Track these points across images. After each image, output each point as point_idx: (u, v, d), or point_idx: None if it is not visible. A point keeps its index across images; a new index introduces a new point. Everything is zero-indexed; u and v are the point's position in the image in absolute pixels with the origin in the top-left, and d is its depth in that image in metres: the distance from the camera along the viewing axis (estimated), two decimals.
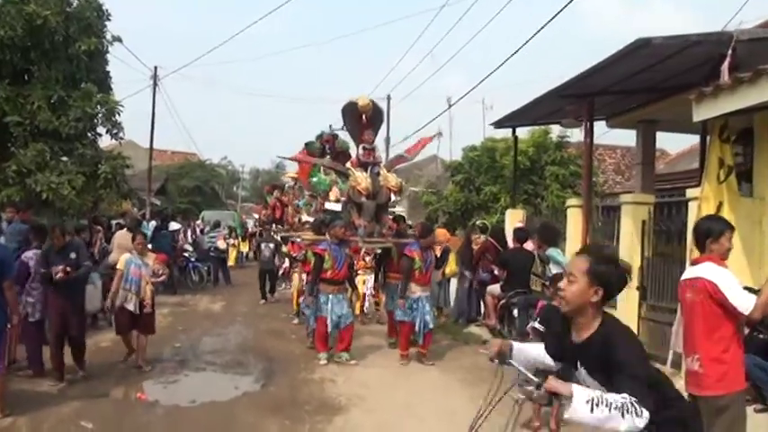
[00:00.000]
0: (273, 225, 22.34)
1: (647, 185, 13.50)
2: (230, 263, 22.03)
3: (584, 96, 11.17)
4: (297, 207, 19.14)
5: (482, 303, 11.78)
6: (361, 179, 9.55)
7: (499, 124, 14.37)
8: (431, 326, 9.37)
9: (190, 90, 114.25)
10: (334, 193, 11.28)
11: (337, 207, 11.00)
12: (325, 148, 11.71)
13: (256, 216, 37.17)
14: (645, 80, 10.62)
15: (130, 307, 8.46)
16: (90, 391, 7.35)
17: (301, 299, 11.60)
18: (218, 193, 48.64)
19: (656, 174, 14.94)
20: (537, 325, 6.89)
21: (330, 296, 9.04)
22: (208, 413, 6.92)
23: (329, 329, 9.03)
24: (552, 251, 8.39)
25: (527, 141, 19.27)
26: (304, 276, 11.80)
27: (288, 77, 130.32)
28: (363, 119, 9.76)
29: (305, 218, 16.82)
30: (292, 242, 13.48)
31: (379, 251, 10.70)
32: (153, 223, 19.06)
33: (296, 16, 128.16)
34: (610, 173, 27.07)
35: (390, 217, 10.64)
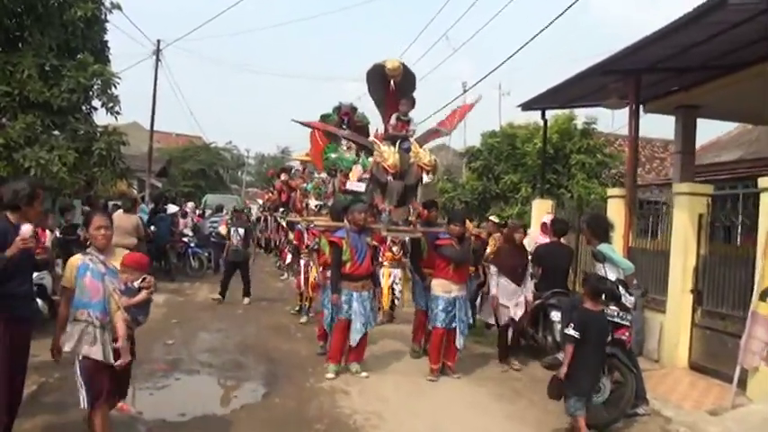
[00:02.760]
0: (280, 210, 21.38)
1: (686, 176, 12.44)
2: None
3: (630, 73, 10.06)
4: (305, 191, 18.10)
5: None
6: (389, 154, 8.03)
7: (528, 106, 13.26)
8: (464, 333, 8.19)
9: (194, 69, 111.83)
10: (356, 172, 10.01)
11: (361, 187, 9.80)
12: (342, 122, 10.42)
13: (260, 201, 36.34)
14: (697, 56, 9.52)
15: (97, 355, 4.60)
16: (62, 400, 6.16)
17: (318, 294, 10.53)
18: (223, 178, 47.74)
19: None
20: (572, 332, 5.99)
21: (354, 294, 7.75)
22: None
23: (354, 336, 7.74)
24: (605, 248, 7.21)
25: (551, 128, 18.00)
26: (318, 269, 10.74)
27: (296, 55, 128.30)
28: (392, 85, 8.26)
29: (313, 202, 15.71)
30: (300, 229, 12.28)
31: (406, 240, 9.51)
32: (151, 206, 18.05)
33: None
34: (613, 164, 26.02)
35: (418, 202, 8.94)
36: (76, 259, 4.76)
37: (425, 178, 8.52)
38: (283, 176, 22.52)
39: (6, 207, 4.81)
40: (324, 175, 17.13)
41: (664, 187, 18.59)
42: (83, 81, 12.81)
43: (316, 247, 9.64)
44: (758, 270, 6.92)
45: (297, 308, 11.88)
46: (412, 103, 8.53)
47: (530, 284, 8.74)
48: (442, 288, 8.01)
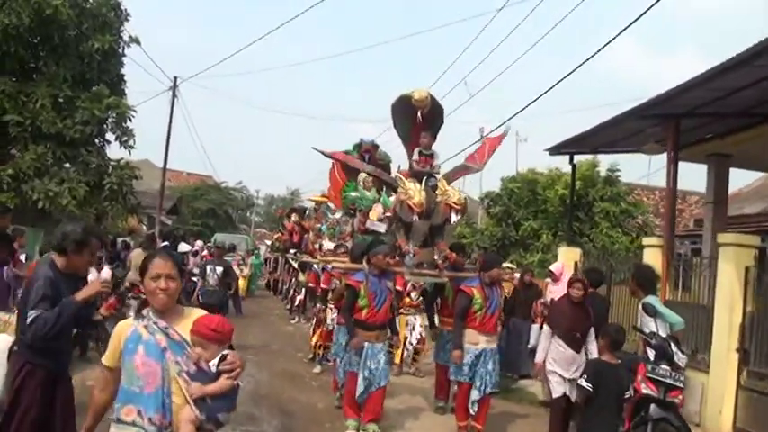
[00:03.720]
0: (291, 251, 20.88)
1: (719, 227, 11.93)
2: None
3: (669, 118, 9.63)
4: (318, 232, 17.64)
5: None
6: (414, 192, 7.38)
7: (556, 151, 12.80)
8: (494, 390, 7.26)
9: (207, 107, 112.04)
10: (376, 212, 9.51)
11: (381, 227, 9.28)
12: (363, 159, 9.96)
13: (268, 242, 36.00)
14: (739, 101, 9.11)
15: None
16: None
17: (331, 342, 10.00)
18: (232, 218, 47.47)
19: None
20: (584, 383, 5.62)
21: (365, 344, 6.87)
22: None
23: (359, 393, 6.86)
24: (653, 300, 6.68)
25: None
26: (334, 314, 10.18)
27: (310, 95, 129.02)
28: (419, 117, 7.62)
29: (327, 244, 15.24)
30: (315, 271, 11.77)
31: (428, 286, 8.82)
32: (164, 244, 17.61)
33: (320, 33, 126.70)
34: (648, 215, 25.57)
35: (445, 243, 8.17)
36: (126, 326, 3.21)
37: (454, 218, 7.75)
38: (295, 217, 22.18)
39: (54, 249, 4.28)
40: (339, 215, 16.73)
41: (685, 238, 18.16)
42: (97, 113, 12.56)
43: (333, 288, 9.05)
44: None
45: (310, 356, 11.28)
46: (434, 137, 7.94)
47: (595, 353, 6.76)
48: (469, 339, 7.16)
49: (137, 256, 13.19)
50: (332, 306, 9.93)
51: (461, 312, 7.09)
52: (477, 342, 7.11)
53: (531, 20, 19.10)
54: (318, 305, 11.24)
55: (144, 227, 21.35)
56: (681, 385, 6.23)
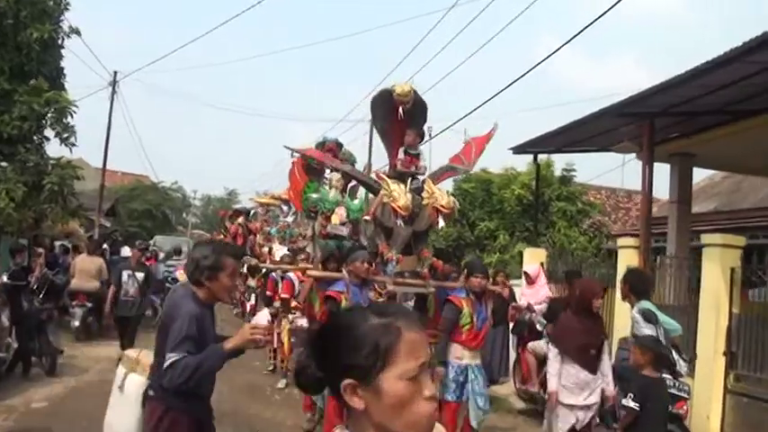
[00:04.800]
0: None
1: (683, 227, 11.87)
2: None
3: (643, 117, 9.42)
4: (268, 235, 17.01)
5: (512, 360, 9.73)
6: (399, 194, 6.69)
7: (520, 150, 12.50)
8: (485, 413, 6.59)
9: (142, 103, 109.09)
10: (338, 215, 8.94)
11: (344, 231, 8.74)
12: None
13: None
14: (718, 99, 8.97)
15: None
16: None
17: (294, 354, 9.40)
18: (170, 219, 46.10)
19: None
20: (631, 403, 5.07)
21: None
22: None
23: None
24: (650, 306, 6.34)
25: (528, 173, 17.48)
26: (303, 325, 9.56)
27: (252, 93, 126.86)
28: (400, 113, 6.92)
29: (277, 247, 14.62)
30: (274, 278, 11.12)
31: (409, 297, 8.14)
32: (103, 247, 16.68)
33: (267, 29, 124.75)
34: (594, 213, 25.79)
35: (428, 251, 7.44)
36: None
37: (441, 223, 7.20)
38: (241, 219, 21.45)
39: (190, 281, 3.69)
40: (290, 218, 16.18)
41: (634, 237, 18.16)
42: (36, 108, 11.63)
43: (297, 295, 8.38)
44: None
45: (270, 367, 10.65)
46: (420, 135, 7.40)
47: (608, 372, 6.07)
48: (453, 353, 6.47)
49: (81, 261, 12.39)
50: (296, 314, 9.37)
51: (449, 325, 6.36)
52: (461, 357, 6.41)
53: (480, 19, 18.85)
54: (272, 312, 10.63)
55: (82, 230, 20.23)
56: (686, 396, 5.93)
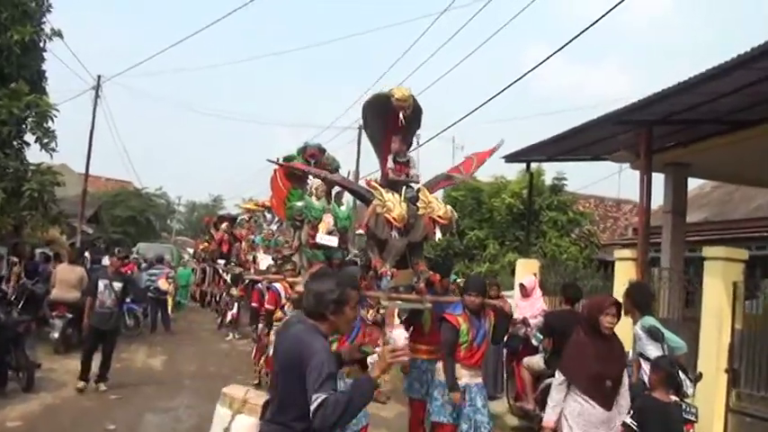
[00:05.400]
0: (221, 261, 19.76)
1: (677, 237, 11.70)
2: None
3: (641, 125, 9.20)
4: (252, 243, 16.69)
5: (507, 376, 9.43)
6: (394, 204, 6.35)
7: (513, 158, 12.25)
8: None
9: (129, 109, 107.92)
10: (325, 224, 8.61)
11: (333, 241, 8.40)
12: (309, 164, 9.05)
13: (191, 250, 34.61)
14: (711, 111, 8.78)
15: None
16: None
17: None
18: (153, 225, 45.56)
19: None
20: (629, 421, 4.80)
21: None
22: None
23: None
24: (655, 321, 6.07)
25: (519, 182, 17.26)
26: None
27: (238, 97, 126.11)
28: (401, 119, 6.46)
29: (261, 256, 14.30)
30: (259, 289, 10.78)
31: (401, 311, 7.64)
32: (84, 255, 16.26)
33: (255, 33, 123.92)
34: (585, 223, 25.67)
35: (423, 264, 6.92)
36: None
37: (438, 235, 6.72)
38: (225, 226, 21.13)
39: (311, 315, 3.45)
40: (275, 226, 15.85)
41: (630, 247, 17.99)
42: (16, 112, 11.28)
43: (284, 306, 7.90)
44: None
45: (255, 381, 10.28)
46: (405, 141, 6.88)
47: (626, 407, 5.10)
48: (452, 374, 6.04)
49: (62, 271, 12.00)
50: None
51: (450, 348, 5.98)
52: (459, 377, 6.03)
53: (469, 27, 18.61)
54: (260, 326, 10.29)
55: (64, 237, 19.78)
56: (693, 419, 5.64)
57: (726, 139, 9.82)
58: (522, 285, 9.24)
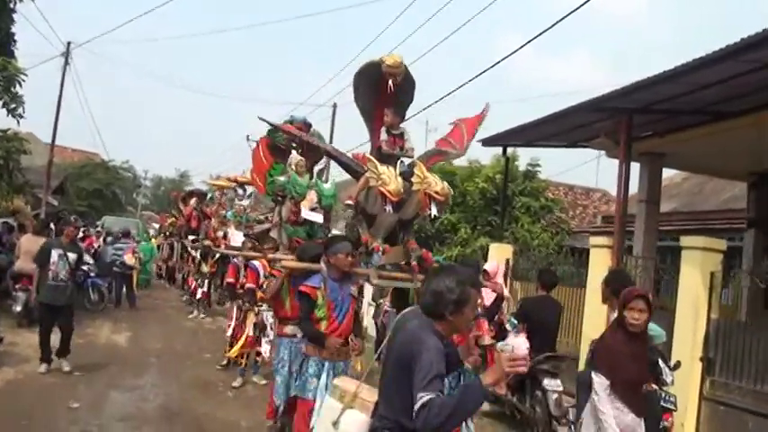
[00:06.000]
0: (189, 237, 19.40)
1: (651, 226, 11.74)
2: None
3: (621, 113, 9.15)
4: (223, 219, 16.39)
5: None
6: (390, 177, 5.98)
7: (490, 142, 12.15)
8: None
9: (98, 78, 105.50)
10: (309, 200, 8.37)
11: (318, 218, 8.18)
12: (294, 139, 8.81)
13: (156, 225, 34.10)
14: (694, 101, 8.74)
15: None
16: None
17: (264, 352, 8.89)
18: (120, 199, 44.91)
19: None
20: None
21: (325, 364, 5.61)
22: None
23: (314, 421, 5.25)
24: None
25: (492, 167, 17.21)
26: (267, 319, 8.99)
27: (209, 71, 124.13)
28: (390, 87, 6.11)
29: (233, 232, 14.02)
30: (236, 264, 10.52)
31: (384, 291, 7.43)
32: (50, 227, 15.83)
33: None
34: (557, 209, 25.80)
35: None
36: None
37: (434, 211, 6.15)
38: (194, 201, 20.72)
39: (429, 314, 3.24)
40: (246, 201, 15.58)
41: (602, 235, 18.12)
42: None
43: (272, 292, 7.19)
44: None
45: (224, 362, 10.07)
46: (398, 114, 6.56)
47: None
48: None
49: (26, 242, 11.65)
50: (262, 307, 8.86)
51: None
52: None
53: (448, 9, 18.43)
54: (236, 304, 10.06)
55: (29, 208, 19.29)
56: (672, 407, 5.64)
57: (703, 130, 9.84)
58: (485, 271, 9.14)
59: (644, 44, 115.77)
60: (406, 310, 3.64)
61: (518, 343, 3.39)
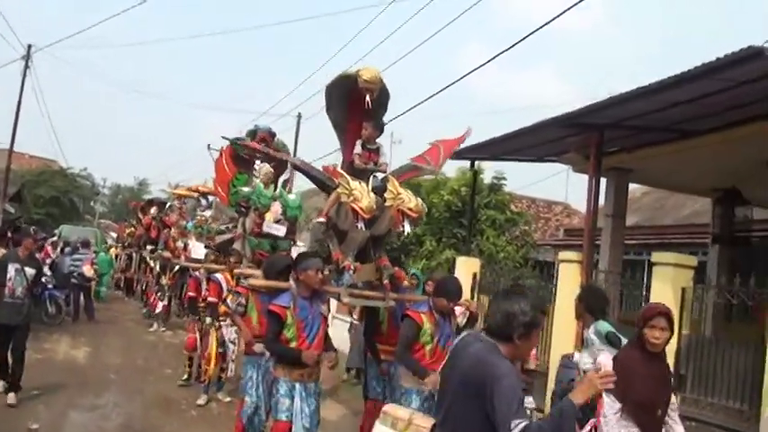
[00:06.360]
0: (148, 247, 19.01)
1: (617, 241, 11.86)
2: None
3: (593, 128, 9.18)
4: (183, 229, 16.09)
5: None
6: (362, 193, 5.87)
7: (459, 156, 12.09)
8: None
9: (55, 86, 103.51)
10: (273, 212, 8.20)
11: (281, 231, 8.02)
12: (258, 153, 8.63)
13: (114, 235, 33.47)
14: (665, 118, 8.80)
15: None
16: None
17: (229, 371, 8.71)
18: (77, 207, 44.08)
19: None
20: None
21: (296, 386, 5.36)
22: None
23: None
24: (608, 327, 5.92)
25: (457, 180, 17.20)
26: (229, 335, 8.79)
27: (169, 79, 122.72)
28: (368, 102, 6.02)
29: (193, 243, 13.77)
30: (197, 277, 10.28)
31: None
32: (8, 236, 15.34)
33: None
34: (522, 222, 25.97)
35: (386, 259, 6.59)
36: None
37: (407, 228, 6.23)
38: (153, 210, 20.35)
39: (493, 334, 3.11)
40: (207, 213, 15.33)
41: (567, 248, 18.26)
42: None
43: (240, 310, 7.02)
44: None
45: (185, 377, 9.79)
46: (377, 128, 6.45)
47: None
48: (417, 379, 5.63)
49: None
50: (225, 321, 8.64)
51: (406, 345, 5.69)
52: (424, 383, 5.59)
53: (416, 20, 18.41)
54: (208, 320, 9.79)
55: None
56: None
57: (671, 147, 9.95)
58: (429, 283, 9.03)
59: (607, 58, 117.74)
60: (465, 333, 3.51)
61: (605, 360, 3.28)
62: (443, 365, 3.33)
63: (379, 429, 3.92)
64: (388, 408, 4.02)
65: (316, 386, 5.54)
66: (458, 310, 6.19)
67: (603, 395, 4.28)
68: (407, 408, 5.00)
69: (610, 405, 4.34)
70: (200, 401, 8.77)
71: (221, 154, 9.46)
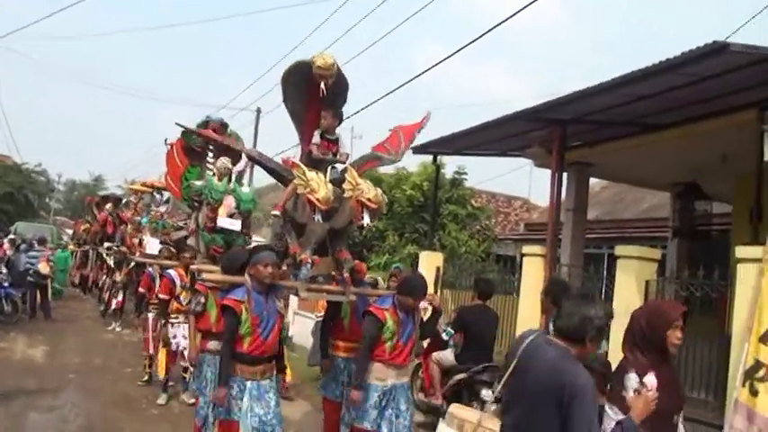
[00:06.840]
0: (105, 244, 18.65)
1: (578, 235, 11.93)
2: None
3: (555, 123, 9.23)
4: (139, 225, 15.84)
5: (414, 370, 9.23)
6: (319, 184, 5.59)
7: (421, 150, 12.08)
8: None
9: (6, 79, 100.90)
10: (226, 206, 8.03)
11: (235, 225, 7.86)
12: (208, 143, 8.45)
13: (69, 231, 32.86)
14: (626, 113, 8.89)
15: None
16: None
17: (186, 372, 8.53)
18: (32, 203, 43.15)
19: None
20: None
21: (248, 385, 5.15)
22: None
23: None
24: None
25: (419, 174, 17.25)
26: (184, 332, 8.55)
27: (125, 72, 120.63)
28: (322, 89, 5.76)
29: (148, 239, 13.54)
30: (150, 273, 10.11)
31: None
32: None
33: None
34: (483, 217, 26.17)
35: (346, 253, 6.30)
36: None
37: (367, 220, 5.82)
38: (109, 206, 19.98)
39: (565, 336, 3.16)
40: (162, 208, 15.11)
41: (527, 242, 18.41)
42: None
43: (198, 308, 6.85)
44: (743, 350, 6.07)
45: (145, 377, 9.59)
46: (336, 117, 6.25)
47: None
48: (375, 374, 5.57)
49: None
50: (178, 318, 8.45)
51: (371, 343, 5.56)
52: (384, 378, 5.59)
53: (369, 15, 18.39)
54: (151, 316, 9.63)
55: None
56: None
57: (632, 141, 10.03)
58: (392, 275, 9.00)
59: (567, 55, 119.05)
60: (527, 332, 3.45)
61: (651, 380, 3.11)
62: (512, 369, 3.31)
63: (442, 430, 3.93)
64: (454, 409, 3.94)
65: (271, 383, 5.32)
66: (421, 304, 6.14)
67: (606, 407, 3.77)
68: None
69: (610, 417, 3.69)
70: (161, 401, 8.56)
71: (172, 146, 9.27)
